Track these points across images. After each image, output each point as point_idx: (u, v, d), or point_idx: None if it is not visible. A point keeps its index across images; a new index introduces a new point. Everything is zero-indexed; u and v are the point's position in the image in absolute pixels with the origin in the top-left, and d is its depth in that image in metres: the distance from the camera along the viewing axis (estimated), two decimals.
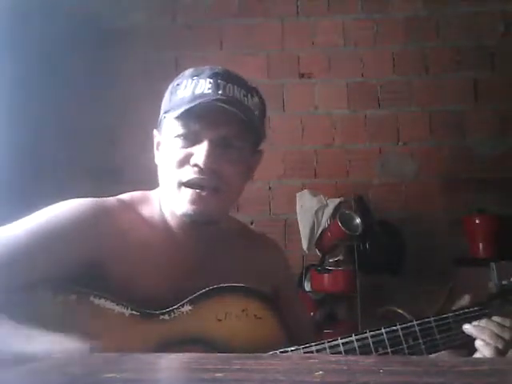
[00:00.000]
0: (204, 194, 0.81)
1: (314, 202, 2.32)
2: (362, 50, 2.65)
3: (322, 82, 2.65)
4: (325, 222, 2.28)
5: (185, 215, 0.82)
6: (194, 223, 0.84)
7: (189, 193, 0.81)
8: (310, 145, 2.61)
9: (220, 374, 0.43)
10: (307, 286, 2.31)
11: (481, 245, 2.33)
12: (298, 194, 2.41)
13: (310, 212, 2.30)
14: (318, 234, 2.29)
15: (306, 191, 2.40)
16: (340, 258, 2.25)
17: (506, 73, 2.57)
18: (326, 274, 2.21)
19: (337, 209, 2.28)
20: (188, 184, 0.81)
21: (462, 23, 2.61)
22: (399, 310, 2.17)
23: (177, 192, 0.82)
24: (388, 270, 2.34)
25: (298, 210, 2.37)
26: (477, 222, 2.35)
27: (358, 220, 2.15)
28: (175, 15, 2.70)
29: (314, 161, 2.61)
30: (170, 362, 0.54)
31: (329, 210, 2.29)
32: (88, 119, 2.58)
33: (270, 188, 2.59)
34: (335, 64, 2.65)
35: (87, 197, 0.88)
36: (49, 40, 2.57)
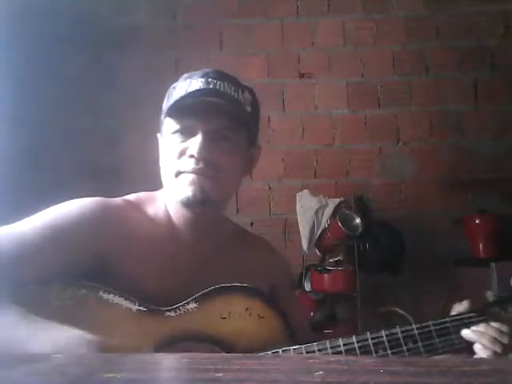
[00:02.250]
0: (200, 178, 0.84)
1: (314, 202, 2.32)
2: (362, 49, 2.65)
3: (321, 81, 2.65)
4: (325, 222, 2.27)
5: (185, 199, 0.85)
6: (193, 208, 0.87)
7: (187, 178, 0.85)
8: (310, 145, 2.61)
9: (220, 374, 0.43)
10: (307, 286, 2.31)
11: (481, 245, 2.33)
12: (297, 194, 2.41)
13: (310, 212, 2.30)
14: (317, 234, 2.29)
15: (305, 191, 2.40)
16: (340, 257, 2.25)
17: (506, 73, 2.57)
18: (326, 274, 2.21)
19: (337, 209, 2.28)
20: (185, 172, 0.85)
21: (462, 23, 2.61)
22: (399, 310, 2.17)
23: (175, 180, 0.86)
24: (388, 270, 2.34)
25: (298, 210, 2.37)
26: (477, 222, 2.35)
27: (357, 220, 2.16)
28: (175, 15, 2.70)
29: (313, 161, 2.61)
30: (170, 362, 0.54)
31: (329, 210, 2.29)
32: (88, 119, 2.58)
33: (270, 188, 2.59)
34: (335, 64, 2.65)
35: (88, 197, 0.89)
36: (49, 40, 2.57)
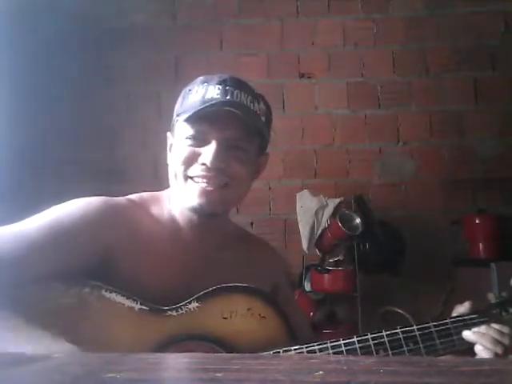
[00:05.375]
0: (210, 189, 0.85)
1: (314, 202, 2.33)
2: (362, 49, 2.65)
3: (321, 81, 2.65)
4: (325, 222, 2.28)
5: (192, 209, 0.86)
6: (200, 217, 0.87)
7: (196, 187, 0.85)
8: (310, 145, 2.61)
9: (220, 374, 0.43)
10: (307, 286, 2.31)
11: (481, 245, 2.32)
12: (297, 194, 2.41)
13: (310, 212, 2.30)
14: (317, 234, 2.29)
15: (305, 191, 2.40)
16: (340, 257, 2.25)
17: (506, 73, 2.57)
18: (326, 274, 2.21)
19: (337, 209, 2.29)
20: (195, 178, 0.85)
21: (462, 23, 2.61)
22: (399, 310, 2.17)
23: (184, 185, 0.87)
24: (388, 270, 2.34)
25: (297, 210, 2.37)
26: (477, 222, 2.35)
27: (358, 220, 2.16)
28: (175, 15, 2.70)
29: (313, 161, 2.61)
30: (170, 362, 0.54)
31: (329, 210, 2.29)
32: (88, 119, 2.58)
33: (270, 188, 2.59)
34: (335, 64, 2.65)
35: (90, 196, 0.89)
36: (49, 40, 2.57)
